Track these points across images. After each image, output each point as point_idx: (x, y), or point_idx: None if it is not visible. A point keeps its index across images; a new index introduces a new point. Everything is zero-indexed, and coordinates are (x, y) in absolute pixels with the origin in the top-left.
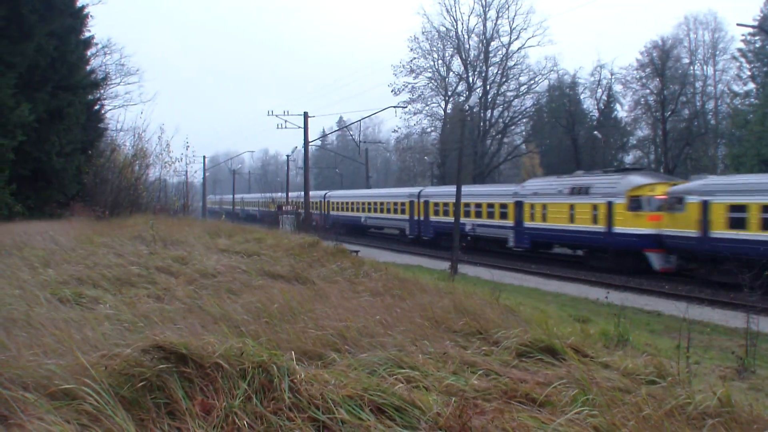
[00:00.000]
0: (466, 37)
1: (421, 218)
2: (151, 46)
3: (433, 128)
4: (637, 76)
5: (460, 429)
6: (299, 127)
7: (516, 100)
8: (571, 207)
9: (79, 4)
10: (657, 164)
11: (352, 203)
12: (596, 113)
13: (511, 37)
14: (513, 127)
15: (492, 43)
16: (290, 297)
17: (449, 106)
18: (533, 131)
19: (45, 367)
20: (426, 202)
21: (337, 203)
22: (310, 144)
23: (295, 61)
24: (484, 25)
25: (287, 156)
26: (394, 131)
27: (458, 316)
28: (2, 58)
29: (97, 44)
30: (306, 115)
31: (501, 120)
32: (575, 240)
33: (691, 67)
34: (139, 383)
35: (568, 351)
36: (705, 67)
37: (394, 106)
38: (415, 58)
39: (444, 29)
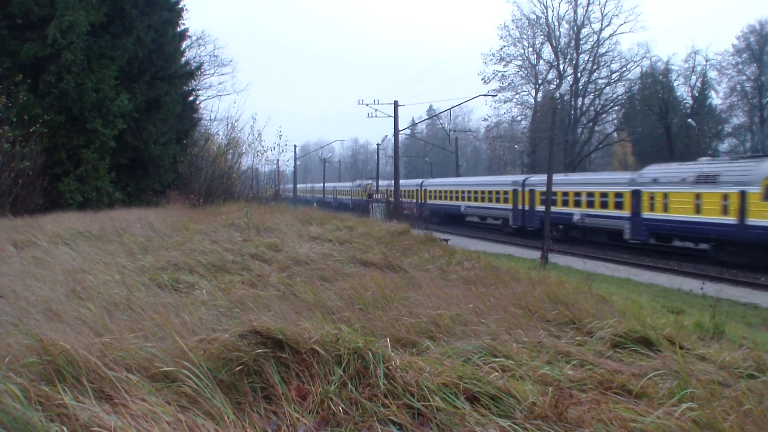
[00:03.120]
0: (556, 24)
1: (526, 208)
2: (244, 36)
3: (523, 117)
4: (733, 62)
5: (556, 419)
6: (389, 116)
7: (607, 87)
8: (697, 196)
9: None
10: (753, 153)
11: (451, 192)
12: (690, 100)
13: (602, 24)
14: (604, 116)
15: (583, 30)
16: (383, 284)
17: (539, 94)
18: (625, 119)
19: (146, 350)
20: (531, 191)
21: (435, 192)
22: (400, 133)
23: (385, 50)
24: (575, 12)
25: (377, 145)
26: (484, 120)
27: (551, 306)
28: (104, 52)
29: (191, 36)
30: (396, 104)
31: (592, 108)
32: (701, 232)
33: None
34: (237, 367)
35: (663, 342)
36: None
37: (484, 95)
38: (504, 46)
39: (534, 17)
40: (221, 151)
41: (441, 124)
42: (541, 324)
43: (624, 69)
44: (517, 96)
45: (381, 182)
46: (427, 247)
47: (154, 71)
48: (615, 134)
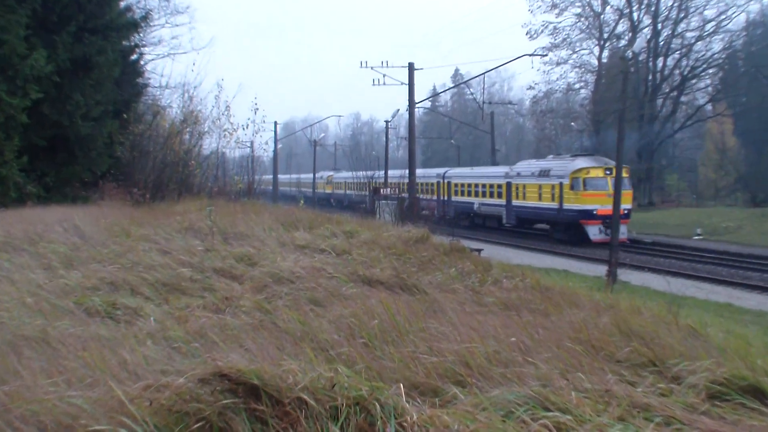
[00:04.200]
0: None
1: (444, 198)
2: None
3: (582, 84)
4: None
5: None
6: (402, 84)
7: (699, 43)
8: (539, 187)
9: None
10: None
11: (484, 186)
12: None
13: None
14: (694, 81)
15: None
16: (394, 310)
17: (605, 53)
18: (723, 86)
19: (69, 402)
20: (448, 183)
21: (461, 186)
22: (417, 106)
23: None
24: None
25: (386, 122)
26: (530, 88)
27: (623, 340)
28: None
29: None
30: (411, 68)
31: (677, 71)
32: (543, 216)
33: None
34: (195, 424)
35: None
36: None
37: (530, 54)
38: None
39: None
40: (175, 129)
41: (471, 94)
42: (610, 365)
43: (723, 17)
44: (574, 56)
45: (391, 172)
46: (453, 259)
47: (83, 20)
48: (709, 106)
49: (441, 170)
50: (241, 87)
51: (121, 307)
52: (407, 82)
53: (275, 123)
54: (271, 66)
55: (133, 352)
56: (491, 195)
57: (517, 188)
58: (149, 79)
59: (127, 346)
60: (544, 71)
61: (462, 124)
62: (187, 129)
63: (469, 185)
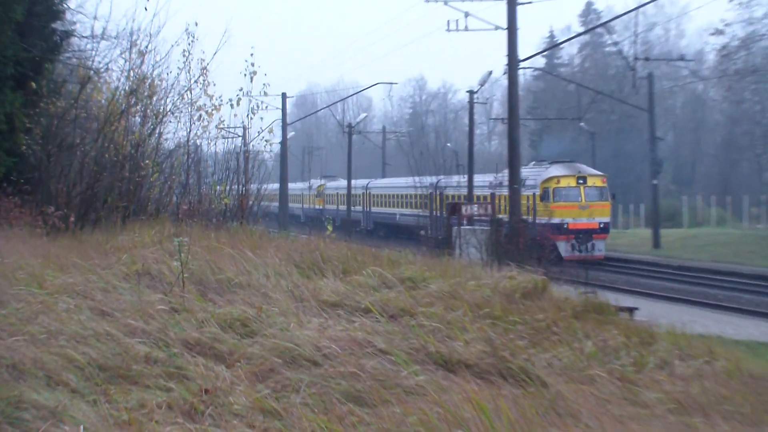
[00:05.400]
0: None
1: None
2: None
3: None
4: None
5: None
6: (497, 28)
7: None
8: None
9: None
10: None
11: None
12: None
13: None
14: None
15: None
16: (492, 413)
17: None
18: None
19: None
20: (370, 194)
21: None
22: (523, 66)
23: None
24: None
25: (469, 93)
26: (716, 33)
27: None
28: None
29: None
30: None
31: None
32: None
33: None
34: None
35: None
36: None
37: None
38: None
39: None
40: (118, 107)
41: (614, 44)
42: None
43: None
44: None
45: (480, 178)
46: (588, 325)
47: None
48: None
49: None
50: (227, 36)
51: (30, 407)
52: (506, 25)
53: (283, 96)
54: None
55: None
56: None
57: (500, 201)
58: (74, 24)
59: None
60: (742, 2)
61: (598, 95)
62: (138, 107)
63: None
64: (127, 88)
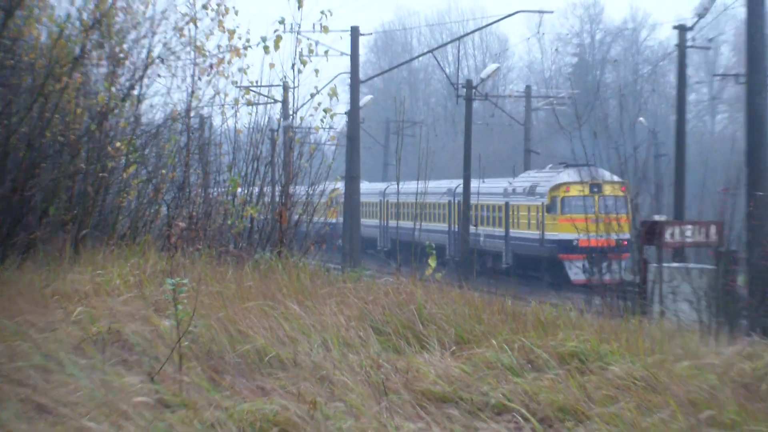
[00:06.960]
0: None
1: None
2: None
3: None
4: None
5: None
6: None
7: None
8: (528, 209)
9: None
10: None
11: None
12: None
13: None
14: None
15: None
16: None
17: None
18: None
19: None
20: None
21: None
22: None
23: None
24: None
25: (680, 30)
26: None
27: None
28: None
29: None
30: None
31: None
32: (529, 251)
33: None
34: None
35: None
36: None
37: None
38: None
39: None
40: (67, 50)
41: None
42: None
43: None
44: None
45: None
46: None
47: None
48: None
49: None
50: None
51: None
52: None
53: (354, 34)
54: None
55: None
56: None
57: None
58: None
59: None
60: None
61: None
62: (104, 50)
63: None
64: (85, 16)
